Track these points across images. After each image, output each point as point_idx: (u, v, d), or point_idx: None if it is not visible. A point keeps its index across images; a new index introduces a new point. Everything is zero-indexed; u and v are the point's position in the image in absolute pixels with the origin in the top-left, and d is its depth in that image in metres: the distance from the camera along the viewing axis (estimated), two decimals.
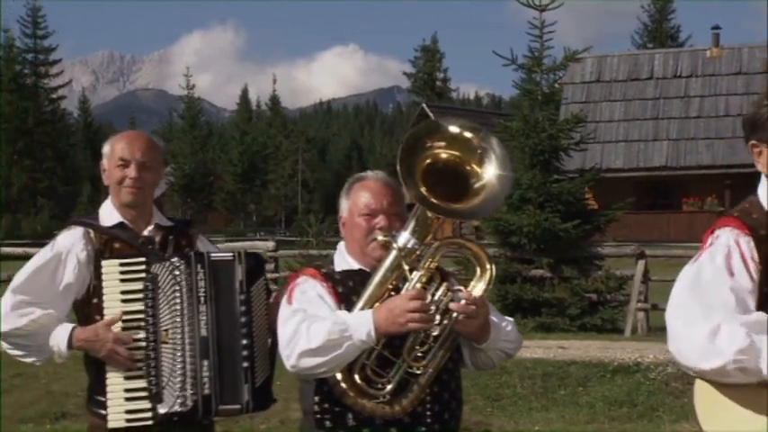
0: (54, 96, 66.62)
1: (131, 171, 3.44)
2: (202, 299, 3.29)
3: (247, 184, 67.91)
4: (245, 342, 3.32)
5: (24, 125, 61.77)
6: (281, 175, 69.59)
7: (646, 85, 35.86)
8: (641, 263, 13.29)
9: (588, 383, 9.00)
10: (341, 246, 3.30)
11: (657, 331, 13.03)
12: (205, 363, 3.26)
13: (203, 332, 3.27)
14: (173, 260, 3.32)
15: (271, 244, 16.60)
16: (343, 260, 3.23)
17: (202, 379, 3.26)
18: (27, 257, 3.78)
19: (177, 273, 3.29)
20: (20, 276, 3.42)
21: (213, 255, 3.40)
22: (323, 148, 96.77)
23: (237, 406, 3.31)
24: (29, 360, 3.43)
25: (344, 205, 3.27)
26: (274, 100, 79.25)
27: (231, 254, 3.40)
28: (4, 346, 3.41)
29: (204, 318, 3.28)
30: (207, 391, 3.26)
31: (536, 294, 12.58)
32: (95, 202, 78.10)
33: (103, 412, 3.33)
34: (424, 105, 44.68)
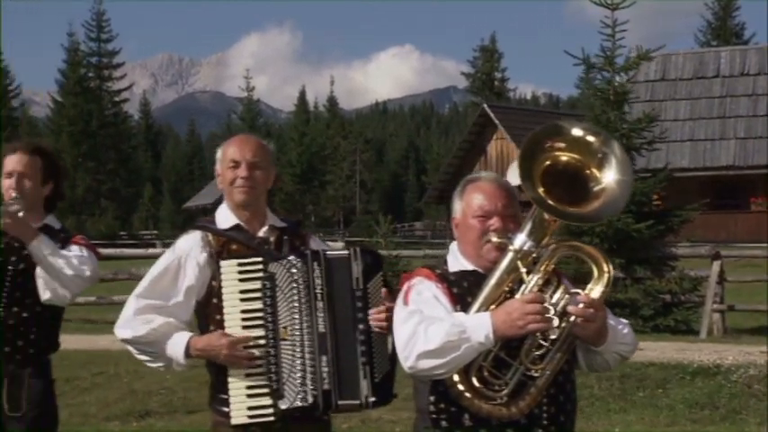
0: (117, 99, 67.65)
1: (242, 171, 3.50)
2: (319, 296, 3.34)
3: (306, 185, 68.26)
4: (362, 338, 3.36)
5: (88, 128, 62.86)
6: (339, 176, 69.84)
7: (712, 84, 35.27)
8: (717, 263, 13.09)
9: (667, 385, 8.90)
10: (453, 246, 3.31)
11: (734, 333, 12.85)
12: (324, 358, 3.32)
13: (321, 328, 3.33)
14: (289, 258, 3.38)
15: (339, 245, 16.64)
16: (457, 261, 3.23)
17: (322, 374, 3.32)
18: None
19: (294, 271, 3.35)
20: (143, 281, 3.50)
21: (329, 252, 3.45)
22: (380, 148, 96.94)
23: (357, 401, 3.36)
24: (153, 365, 3.51)
25: (457, 207, 3.27)
26: (332, 101, 79.55)
27: (347, 251, 3.45)
28: (130, 349, 3.49)
29: (322, 314, 3.34)
30: (326, 387, 3.32)
31: (608, 295, 12.41)
32: (156, 203, 79.38)
33: (226, 410, 3.39)
34: (485, 106, 44.37)
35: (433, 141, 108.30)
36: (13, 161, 3.98)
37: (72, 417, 8.15)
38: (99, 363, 10.32)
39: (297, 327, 3.33)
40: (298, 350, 3.32)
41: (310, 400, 3.30)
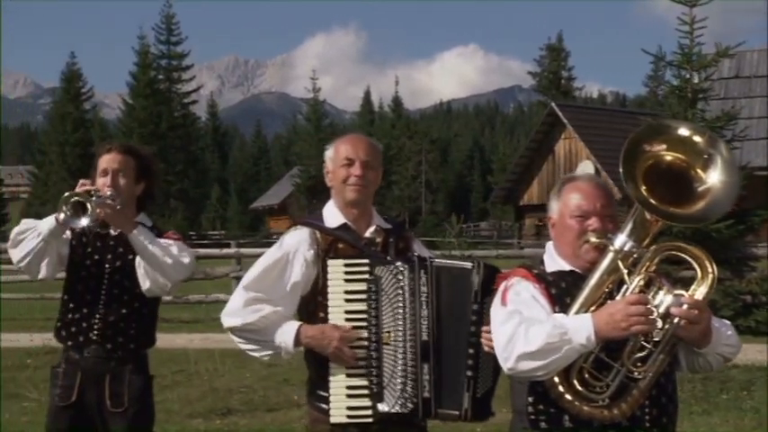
0: (186, 101, 68.52)
1: (356, 169, 3.52)
2: (425, 303, 3.33)
3: None
4: (471, 351, 3.35)
5: (158, 129, 63.70)
6: (405, 177, 69.69)
7: None
8: None
9: (752, 388, 8.73)
10: (549, 246, 3.29)
11: None
12: (425, 366, 3.31)
13: (424, 336, 3.32)
14: (397, 264, 3.38)
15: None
16: (554, 261, 3.22)
17: (422, 382, 3.31)
18: None
19: (401, 277, 3.35)
20: (250, 274, 3.53)
21: (448, 262, 3.44)
22: (445, 148, 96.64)
23: (456, 412, 3.35)
24: (258, 354, 3.54)
25: (554, 206, 3.25)
26: (397, 101, 79.57)
27: (470, 263, 3.43)
28: (236, 340, 3.53)
29: (426, 322, 3.32)
30: (426, 394, 3.31)
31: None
32: (224, 203, 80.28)
33: (325, 407, 3.41)
34: (553, 105, 43.94)
35: (498, 141, 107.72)
36: (108, 159, 4.08)
37: (157, 413, 8.28)
38: (178, 361, 10.49)
39: (400, 332, 3.34)
40: (400, 356, 3.33)
41: (410, 406, 3.31)
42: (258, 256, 13.79)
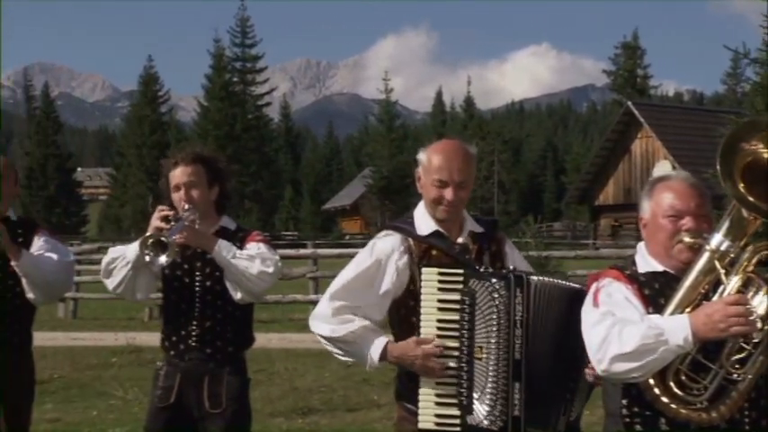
0: (259, 103, 69.27)
1: (448, 193, 3.44)
2: (519, 323, 3.28)
3: None
4: (572, 375, 3.33)
5: (233, 131, 64.53)
6: (477, 177, 68.75)
7: None
8: None
9: None
10: (641, 246, 3.24)
11: None
12: (516, 385, 3.27)
13: (517, 355, 3.27)
14: (492, 281, 3.31)
15: None
16: (646, 261, 3.17)
17: (513, 400, 3.27)
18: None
19: (496, 295, 3.29)
20: (340, 280, 3.53)
21: (539, 278, 3.38)
22: (517, 148, 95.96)
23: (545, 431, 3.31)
24: (343, 359, 3.56)
25: (646, 206, 3.20)
26: (468, 101, 79.21)
27: (564, 281, 3.42)
28: (322, 342, 3.54)
29: (519, 341, 3.27)
30: (516, 413, 3.26)
31: None
32: (296, 204, 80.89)
33: (414, 409, 3.40)
34: (630, 104, 43.34)
35: (571, 140, 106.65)
36: (178, 174, 4.11)
37: None
38: (258, 360, 10.57)
39: (493, 350, 3.29)
40: (491, 372, 3.28)
41: (499, 424, 3.27)
42: (334, 257, 14.02)
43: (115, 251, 4.11)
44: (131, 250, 3.99)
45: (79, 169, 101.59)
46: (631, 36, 65.77)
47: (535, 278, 3.37)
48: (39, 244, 4.48)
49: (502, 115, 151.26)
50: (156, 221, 3.96)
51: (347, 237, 61.01)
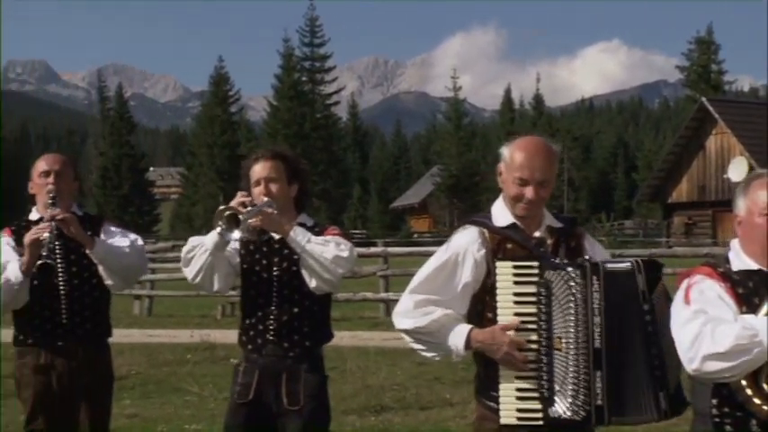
0: (328, 102, 69.70)
1: (529, 192, 3.42)
2: (597, 311, 3.24)
3: None
4: (653, 352, 3.25)
5: (301, 130, 65.10)
6: None
7: None
8: None
9: None
10: (735, 244, 3.18)
11: None
12: (598, 374, 3.23)
13: (597, 344, 3.23)
14: (568, 270, 3.29)
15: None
16: (740, 260, 3.12)
17: (595, 390, 3.23)
18: None
19: (572, 284, 3.26)
20: (419, 276, 3.52)
21: (610, 265, 3.34)
22: (587, 145, 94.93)
23: (646, 415, 3.25)
24: (428, 355, 3.53)
25: (741, 204, 3.15)
26: (537, 99, 78.65)
27: (630, 264, 3.32)
28: (407, 339, 3.54)
29: (598, 329, 3.24)
30: (599, 402, 3.23)
31: None
32: (364, 203, 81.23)
33: (494, 406, 3.39)
34: (704, 100, 42.56)
35: (642, 137, 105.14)
36: (258, 169, 4.15)
37: None
38: (330, 358, 10.45)
39: (572, 339, 3.26)
40: (572, 363, 3.26)
41: (582, 414, 3.24)
42: (404, 255, 14.06)
43: (195, 240, 4.15)
44: (210, 238, 4.04)
45: (151, 169, 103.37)
46: (705, 31, 64.58)
47: (611, 266, 3.32)
48: (107, 233, 4.64)
49: (571, 112, 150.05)
50: (235, 201, 4.01)
51: (415, 235, 61.07)
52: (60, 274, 4.51)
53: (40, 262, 4.29)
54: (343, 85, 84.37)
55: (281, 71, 67.18)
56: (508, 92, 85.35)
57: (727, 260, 3.16)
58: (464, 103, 74.29)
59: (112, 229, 4.70)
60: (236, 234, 3.91)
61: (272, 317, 4.08)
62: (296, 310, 4.09)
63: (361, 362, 10.56)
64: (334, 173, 68.21)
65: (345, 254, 4.01)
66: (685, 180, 43.21)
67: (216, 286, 4.14)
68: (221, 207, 3.96)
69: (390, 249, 18.52)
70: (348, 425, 7.79)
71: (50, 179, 4.58)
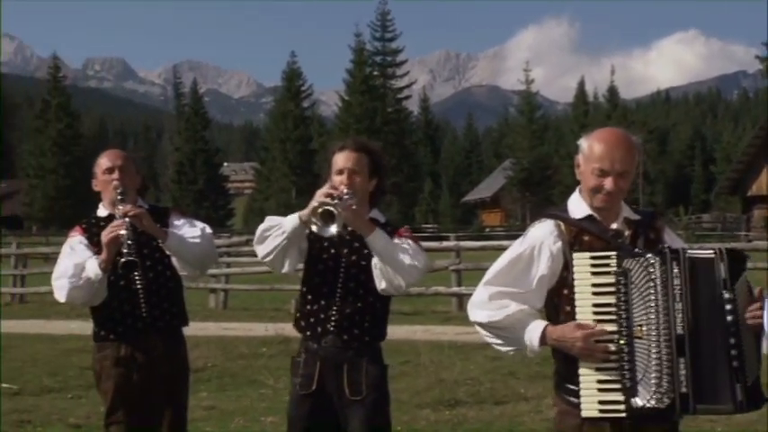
0: (399, 96, 69.76)
1: (608, 183, 3.39)
2: (678, 296, 3.20)
3: None
4: (732, 341, 3.21)
5: (373, 125, 65.24)
6: None
7: None
8: None
9: None
10: None
11: None
12: (681, 360, 3.18)
13: (679, 330, 3.19)
14: (647, 256, 3.25)
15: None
16: None
17: (679, 377, 3.19)
18: None
19: (651, 270, 3.22)
20: (494, 269, 3.51)
21: (691, 252, 3.30)
22: (663, 138, 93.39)
23: (722, 405, 3.23)
24: (504, 348, 3.52)
25: None
26: (612, 91, 77.60)
27: (712, 251, 3.29)
28: (481, 332, 3.53)
29: (680, 315, 3.19)
30: (684, 390, 3.18)
31: None
32: (435, 197, 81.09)
33: (575, 400, 3.35)
34: None
35: (721, 129, 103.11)
36: (343, 158, 4.13)
37: None
38: (403, 352, 10.66)
39: (653, 326, 3.22)
40: (654, 350, 3.21)
41: (666, 401, 3.19)
42: (477, 249, 13.99)
43: (272, 219, 4.15)
44: (289, 221, 4.03)
45: (225, 164, 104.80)
46: None
47: (692, 253, 3.28)
48: (176, 224, 4.69)
49: (647, 104, 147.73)
50: (321, 196, 3.98)
51: (487, 229, 60.78)
52: (139, 269, 4.54)
53: (123, 260, 4.32)
54: (415, 79, 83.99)
55: (352, 66, 67.48)
56: (582, 84, 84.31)
57: None
58: (536, 95, 73.54)
59: (180, 219, 4.75)
60: (334, 229, 3.89)
61: (335, 308, 4.07)
62: (359, 304, 4.08)
63: (434, 356, 10.54)
64: (406, 167, 68.25)
65: (420, 264, 3.99)
66: (765, 172, 42.25)
67: (285, 268, 4.12)
68: (315, 203, 3.91)
69: (463, 243, 18.44)
70: (422, 419, 7.78)
71: (115, 175, 4.63)
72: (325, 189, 4.02)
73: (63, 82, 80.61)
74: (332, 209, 3.88)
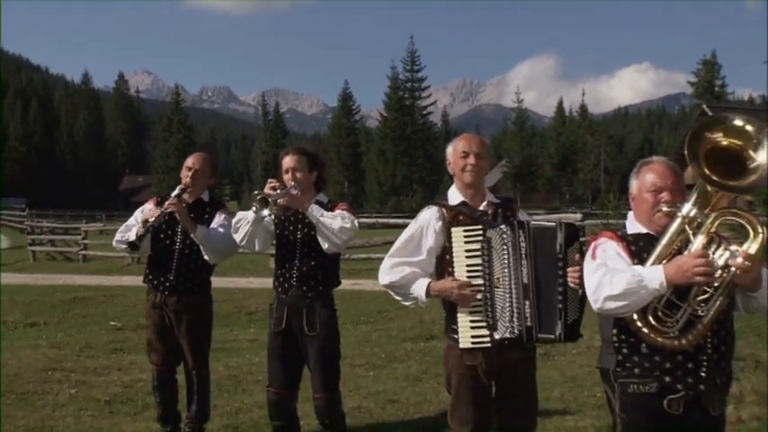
0: (425, 113, 69.35)
1: (471, 159, 3.48)
2: (524, 255, 3.24)
3: (561, 171, 66.26)
4: (560, 289, 3.24)
5: (404, 134, 65.03)
6: (588, 164, 67.00)
7: None
8: None
9: None
10: (630, 215, 3.13)
11: None
12: (527, 302, 3.23)
13: (525, 279, 3.23)
14: (501, 227, 3.30)
15: (579, 215, 16.10)
16: (633, 226, 3.06)
17: (525, 314, 3.23)
18: (404, 226, 3.94)
19: (505, 237, 3.27)
20: (395, 245, 3.57)
21: (535, 223, 3.33)
22: (620, 142, 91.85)
23: (552, 335, 3.25)
24: (405, 302, 3.57)
25: (634, 184, 3.09)
26: (583, 108, 76.51)
27: (554, 222, 3.32)
28: (390, 292, 3.58)
29: (525, 269, 3.23)
30: (529, 323, 3.23)
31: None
32: (451, 186, 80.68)
33: (456, 337, 3.42)
34: (704, 106, 40.71)
35: (664, 136, 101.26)
36: (287, 161, 4.14)
37: (380, 338, 8.50)
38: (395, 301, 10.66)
39: (506, 278, 3.26)
40: (507, 295, 3.26)
41: (516, 332, 3.24)
42: None
43: (240, 214, 4.17)
44: (249, 213, 4.06)
45: None
46: (710, 54, 61.51)
47: (535, 223, 3.32)
48: (218, 220, 4.61)
49: (610, 118, 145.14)
50: (267, 188, 4.01)
51: None
52: (178, 242, 4.54)
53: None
54: (435, 100, 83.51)
55: (389, 90, 67.19)
56: (560, 103, 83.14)
57: (624, 226, 3.11)
58: (527, 111, 72.61)
59: (222, 217, 4.61)
60: (266, 212, 3.94)
61: (295, 268, 4.10)
62: (313, 263, 4.08)
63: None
64: (428, 164, 67.88)
65: (348, 225, 3.99)
66: (690, 169, 41.55)
67: (257, 247, 4.16)
68: (255, 192, 3.97)
69: None
70: (402, 349, 7.83)
71: (190, 174, 4.59)
72: (269, 184, 4.04)
73: (182, 104, 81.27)
74: (265, 196, 3.92)
